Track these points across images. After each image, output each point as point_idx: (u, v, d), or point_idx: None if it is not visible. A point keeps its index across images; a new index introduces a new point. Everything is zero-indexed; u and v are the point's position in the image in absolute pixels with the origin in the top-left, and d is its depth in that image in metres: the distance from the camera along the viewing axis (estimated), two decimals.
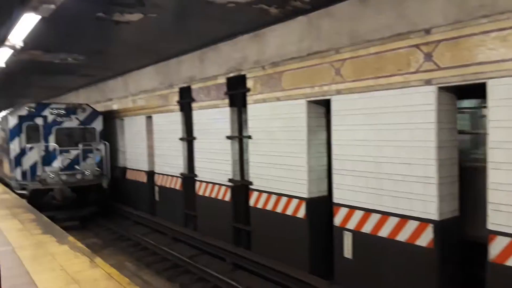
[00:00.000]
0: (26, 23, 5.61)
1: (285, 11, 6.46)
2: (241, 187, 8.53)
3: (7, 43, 6.69)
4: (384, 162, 5.61)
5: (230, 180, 8.63)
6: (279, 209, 7.38)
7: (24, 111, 12.00)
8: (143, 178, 12.44)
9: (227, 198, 8.75)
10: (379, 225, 5.74)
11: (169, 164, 10.89)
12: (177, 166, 10.52)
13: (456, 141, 5.29)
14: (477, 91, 4.71)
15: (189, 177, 10.19)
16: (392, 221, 5.56)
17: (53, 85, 16.37)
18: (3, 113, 14.13)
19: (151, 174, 12.01)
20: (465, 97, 5.64)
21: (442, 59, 4.82)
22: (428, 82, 4.97)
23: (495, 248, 4.51)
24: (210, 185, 9.28)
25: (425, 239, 5.18)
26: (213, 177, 9.16)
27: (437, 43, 4.86)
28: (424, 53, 4.99)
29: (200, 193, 9.66)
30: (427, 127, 5.04)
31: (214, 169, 9.09)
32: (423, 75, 5.02)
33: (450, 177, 5.21)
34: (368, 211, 5.86)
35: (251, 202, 8.07)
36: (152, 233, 10.90)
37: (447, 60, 4.77)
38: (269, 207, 7.61)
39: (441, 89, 4.95)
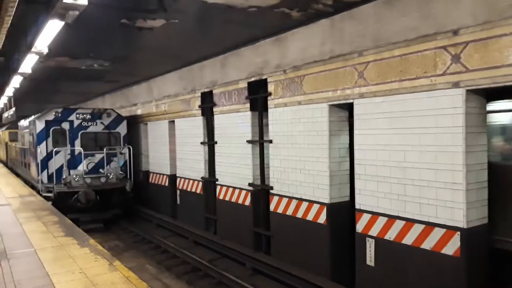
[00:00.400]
0: (51, 29, 5.74)
1: (307, 14, 6.41)
2: (261, 191, 8.47)
3: (33, 49, 6.87)
4: (409, 168, 5.44)
5: (250, 185, 8.59)
6: (299, 214, 7.28)
7: (51, 116, 12.30)
8: (165, 182, 12.56)
9: (247, 202, 8.71)
10: (403, 232, 5.56)
11: (191, 168, 10.94)
12: (198, 170, 10.56)
13: (485, 145, 5.07)
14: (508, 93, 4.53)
15: (210, 181, 10.21)
16: (417, 229, 5.37)
17: (80, 91, 16.81)
18: (31, 118, 14.54)
19: (173, 178, 12.10)
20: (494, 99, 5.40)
21: (470, 60, 4.65)
22: (455, 85, 4.80)
23: None
24: (231, 189, 9.26)
25: (452, 247, 4.98)
26: (234, 181, 9.13)
27: (465, 44, 4.69)
28: (451, 54, 4.83)
29: (221, 197, 9.65)
30: (455, 131, 4.86)
31: (235, 173, 9.07)
32: (450, 77, 4.85)
33: (479, 183, 5.00)
34: (392, 218, 5.69)
35: (272, 207, 8.00)
36: (173, 236, 10.96)
37: (476, 62, 4.60)
38: (289, 212, 7.51)
39: (470, 91, 4.77)
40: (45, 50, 6.97)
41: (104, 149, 12.43)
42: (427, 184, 5.22)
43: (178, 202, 11.80)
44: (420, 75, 5.21)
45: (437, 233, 5.13)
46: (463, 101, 4.79)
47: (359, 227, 6.18)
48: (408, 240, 5.48)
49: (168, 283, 7.87)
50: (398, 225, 5.61)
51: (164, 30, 7.13)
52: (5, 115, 21.41)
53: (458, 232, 4.91)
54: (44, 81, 12.99)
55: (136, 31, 7.21)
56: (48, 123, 12.26)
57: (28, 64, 8.12)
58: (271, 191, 8.00)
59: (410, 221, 5.45)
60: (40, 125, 12.19)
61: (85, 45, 8.64)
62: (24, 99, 17.62)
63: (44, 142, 12.20)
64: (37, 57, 7.38)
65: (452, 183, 4.95)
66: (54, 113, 12.30)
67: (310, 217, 7.05)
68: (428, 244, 5.24)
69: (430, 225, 5.21)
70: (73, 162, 12.35)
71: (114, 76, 12.68)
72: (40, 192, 11.88)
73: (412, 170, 5.40)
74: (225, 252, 8.91)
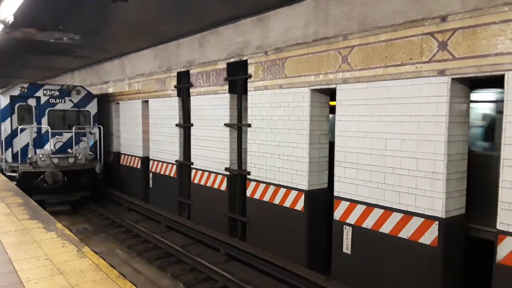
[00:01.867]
0: None
1: None
2: (238, 176, 8.28)
3: None
4: (389, 156, 5.37)
5: (227, 169, 8.38)
6: (277, 201, 7.15)
7: (16, 91, 11.63)
8: (137, 164, 12.17)
9: (223, 187, 8.51)
10: (381, 220, 5.52)
11: (165, 151, 10.61)
12: (173, 153, 10.25)
13: (467, 135, 5.04)
14: (493, 83, 4.47)
15: (184, 165, 9.93)
16: (395, 217, 5.34)
17: (48, 66, 15.98)
18: None
19: (145, 160, 11.73)
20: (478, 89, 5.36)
21: (457, 48, 4.56)
22: (441, 73, 4.71)
23: (504, 249, 4.30)
24: (206, 173, 9.03)
25: (430, 237, 4.97)
26: (210, 166, 8.90)
27: (453, 31, 4.59)
28: (438, 41, 4.72)
29: (196, 181, 9.41)
30: (438, 120, 4.79)
31: (211, 157, 8.83)
32: (436, 65, 4.75)
33: (459, 173, 4.98)
34: (370, 206, 5.63)
35: (248, 192, 7.83)
36: (145, 220, 10.67)
37: (463, 50, 4.51)
38: (266, 198, 7.37)
39: (455, 80, 4.69)
40: (10, 19, 6.46)
41: (73, 128, 11.88)
42: (408, 173, 5.17)
43: (151, 185, 11.46)
44: (405, 62, 5.09)
45: (415, 222, 5.11)
46: (448, 89, 4.71)
47: (337, 214, 6.11)
48: (386, 228, 5.45)
49: (138, 268, 7.63)
50: (376, 213, 5.56)
51: (139, 2, 6.72)
52: None
53: (436, 222, 4.89)
54: (10, 54, 12.21)
55: (109, 2, 6.74)
56: (13, 99, 11.60)
57: None
58: (248, 176, 7.82)
59: (389, 210, 5.41)
60: (4, 101, 11.51)
61: (55, 16, 8.07)
62: None
63: (9, 119, 11.56)
64: (1, 26, 6.84)
65: (432, 173, 4.90)
66: (19, 88, 11.63)
67: (287, 203, 6.93)
68: (405, 233, 5.21)
69: (408, 214, 5.18)
70: (39, 141, 11.77)
71: (84, 51, 12.04)
72: (4, 172, 11.28)
73: (393, 158, 5.33)
74: (199, 238, 8.72)
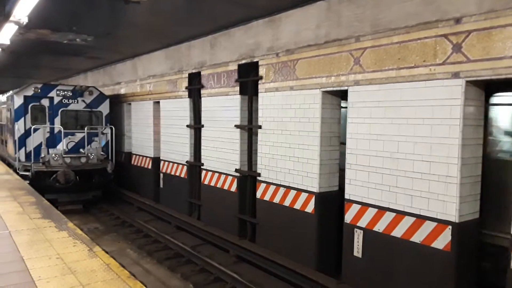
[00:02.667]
0: None
1: None
2: (248, 178, 8.27)
3: (12, 18, 6.42)
4: (402, 159, 5.31)
5: (237, 171, 8.37)
6: (287, 203, 7.12)
7: (30, 92, 11.79)
8: (148, 165, 12.24)
9: (233, 188, 8.50)
10: (393, 224, 5.46)
11: (175, 152, 10.65)
12: (183, 153, 10.28)
13: (481, 139, 4.96)
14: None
15: (195, 166, 9.96)
16: (408, 221, 5.27)
17: (61, 67, 16.19)
18: (9, 93, 13.94)
19: (156, 160, 11.79)
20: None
21: (472, 50, 4.49)
22: (455, 75, 4.64)
23: None
24: (216, 174, 9.03)
25: (443, 241, 4.89)
26: (220, 167, 8.90)
27: (467, 33, 4.52)
28: (452, 43, 4.65)
29: (206, 182, 9.42)
30: (452, 123, 4.72)
31: (221, 158, 8.84)
32: (450, 67, 4.68)
33: (473, 177, 4.89)
34: (382, 209, 5.57)
35: (258, 194, 7.81)
36: (155, 220, 10.72)
37: (478, 52, 4.44)
38: (276, 199, 7.35)
39: (469, 82, 4.62)
40: (24, 20, 6.51)
41: (85, 128, 12.01)
42: (420, 176, 5.10)
43: (161, 185, 11.52)
44: (418, 64, 5.03)
45: (428, 226, 5.03)
46: (462, 92, 4.64)
47: (348, 217, 6.06)
48: (398, 232, 5.38)
49: (149, 268, 7.67)
50: (388, 217, 5.50)
51: (152, 4, 6.75)
52: None
53: (450, 226, 4.82)
54: (24, 55, 12.42)
55: (122, 4, 6.79)
56: (27, 99, 11.76)
57: (6, 34, 7.62)
58: (258, 177, 7.80)
59: (401, 213, 5.34)
60: (18, 101, 11.67)
61: (68, 17, 8.18)
62: (3, 73, 16.93)
63: (22, 118, 11.72)
64: (16, 27, 6.93)
65: (446, 176, 4.83)
66: (33, 88, 11.78)
67: (297, 205, 6.89)
68: (418, 237, 5.14)
69: (421, 218, 5.11)
70: (52, 140, 11.91)
71: (97, 53, 12.17)
72: (17, 171, 11.43)
73: (405, 161, 5.26)
74: (209, 239, 8.73)
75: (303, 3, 6.48)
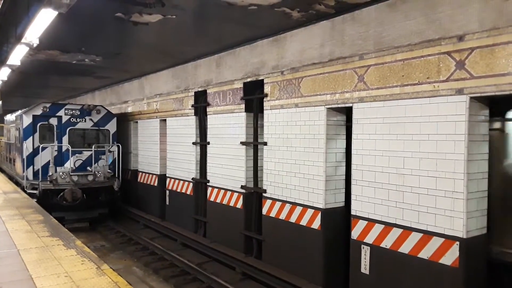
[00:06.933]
0: (43, 19, 5.48)
1: (308, 15, 6.28)
2: (254, 194, 8.29)
3: (23, 40, 6.60)
4: (408, 174, 5.33)
5: (242, 187, 8.40)
6: (293, 219, 7.12)
7: (39, 111, 11.98)
8: (155, 182, 12.30)
9: (239, 205, 8.52)
10: (400, 240, 5.44)
11: (181, 169, 10.72)
12: (189, 170, 10.34)
13: (486, 154, 4.98)
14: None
15: (201, 182, 10.00)
16: (415, 237, 5.25)
17: (70, 86, 16.46)
18: (18, 112, 14.16)
19: (162, 178, 11.85)
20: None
21: (475, 67, 4.56)
22: (459, 92, 4.70)
23: None
24: (222, 191, 9.06)
25: (450, 257, 4.86)
26: (226, 183, 8.94)
27: (470, 50, 4.60)
28: (456, 60, 4.73)
29: (212, 199, 9.45)
30: (457, 138, 4.76)
31: (227, 175, 8.88)
32: (454, 83, 4.75)
33: (480, 193, 4.90)
34: (389, 225, 5.56)
35: (264, 210, 7.82)
36: (161, 237, 10.71)
37: (481, 69, 4.51)
38: (282, 216, 7.35)
39: (473, 99, 4.67)
40: (35, 42, 6.70)
41: (93, 147, 12.14)
42: (427, 192, 5.11)
43: (167, 202, 11.55)
44: (422, 81, 5.11)
45: (435, 242, 5.01)
46: (466, 108, 4.69)
47: (355, 234, 6.05)
48: (405, 248, 5.36)
49: (155, 286, 7.64)
50: (395, 233, 5.49)
51: (160, 25, 6.93)
52: None
53: (457, 242, 4.80)
54: (33, 74, 12.66)
55: (130, 25, 6.99)
56: (35, 118, 11.94)
57: (17, 56, 7.81)
58: (264, 194, 7.82)
59: (408, 229, 5.33)
60: (27, 120, 11.85)
61: (77, 38, 8.39)
62: (12, 92, 17.19)
63: (31, 137, 11.88)
64: (27, 49, 7.10)
65: (452, 192, 4.84)
66: (42, 108, 11.98)
67: (304, 222, 6.89)
68: (425, 254, 5.12)
69: (428, 234, 5.09)
70: (60, 159, 12.04)
71: (105, 72, 12.40)
72: (25, 189, 11.53)
73: (411, 177, 5.28)
74: (215, 256, 8.71)
75: (308, 23, 6.63)
